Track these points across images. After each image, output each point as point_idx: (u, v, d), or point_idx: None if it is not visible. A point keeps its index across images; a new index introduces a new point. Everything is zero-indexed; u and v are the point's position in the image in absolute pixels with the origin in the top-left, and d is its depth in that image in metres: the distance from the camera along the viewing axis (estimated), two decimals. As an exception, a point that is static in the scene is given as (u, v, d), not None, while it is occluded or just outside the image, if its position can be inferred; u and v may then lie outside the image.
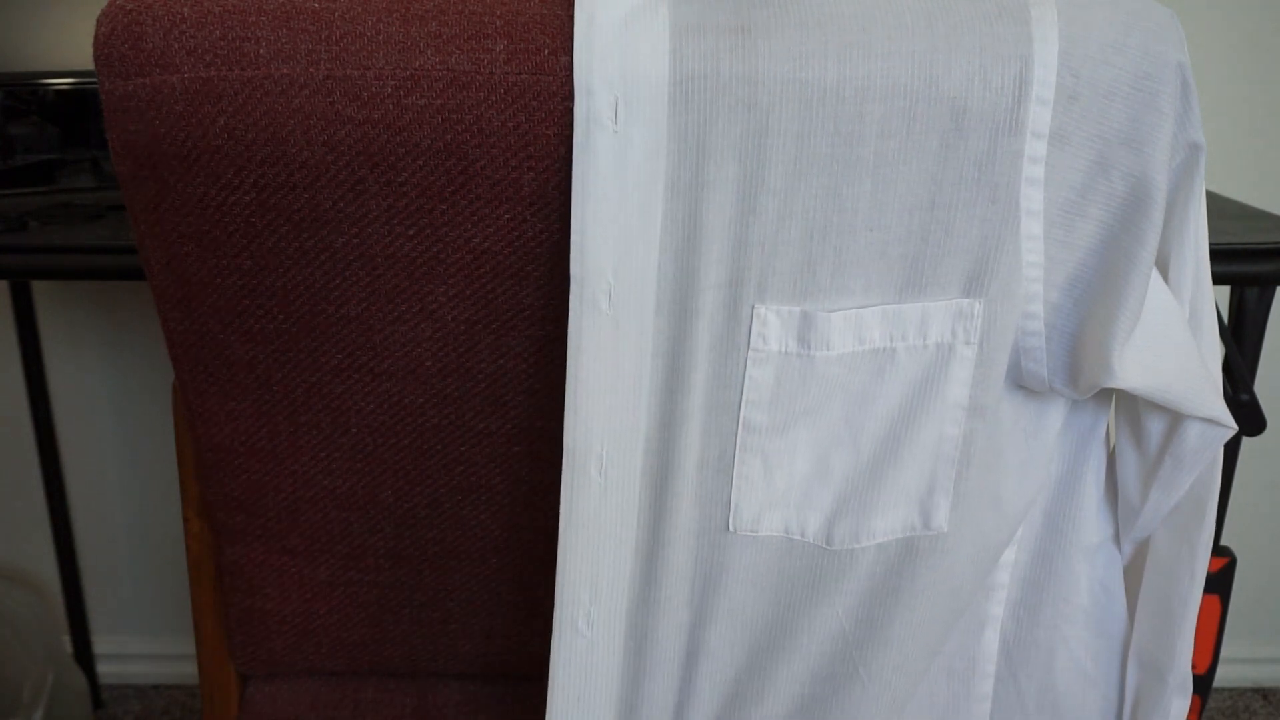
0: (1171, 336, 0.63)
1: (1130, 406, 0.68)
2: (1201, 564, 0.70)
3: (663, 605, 0.64)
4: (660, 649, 0.66)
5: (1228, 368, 0.86)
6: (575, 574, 0.63)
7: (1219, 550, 0.95)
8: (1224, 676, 1.64)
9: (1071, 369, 0.63)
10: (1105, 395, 0.68)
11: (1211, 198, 1.03)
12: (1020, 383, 0.64)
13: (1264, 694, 1.65)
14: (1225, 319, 0.91)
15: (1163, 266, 0.63)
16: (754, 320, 0.59)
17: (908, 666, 0.67)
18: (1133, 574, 0.73)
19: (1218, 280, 0.73)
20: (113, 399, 1.48)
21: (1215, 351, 0.66)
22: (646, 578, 0.64)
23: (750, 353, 0.59)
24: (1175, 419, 0.66)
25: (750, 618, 0.66)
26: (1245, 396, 0.85)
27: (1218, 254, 0.71)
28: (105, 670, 1.60)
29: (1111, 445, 0.71)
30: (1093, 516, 0.71)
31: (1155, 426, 0.67)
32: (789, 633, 0.66)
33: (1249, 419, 0.85)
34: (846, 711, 0.68)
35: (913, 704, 0.73)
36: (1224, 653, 0.98)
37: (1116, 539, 0.73)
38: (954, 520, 0.64)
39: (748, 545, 0.64)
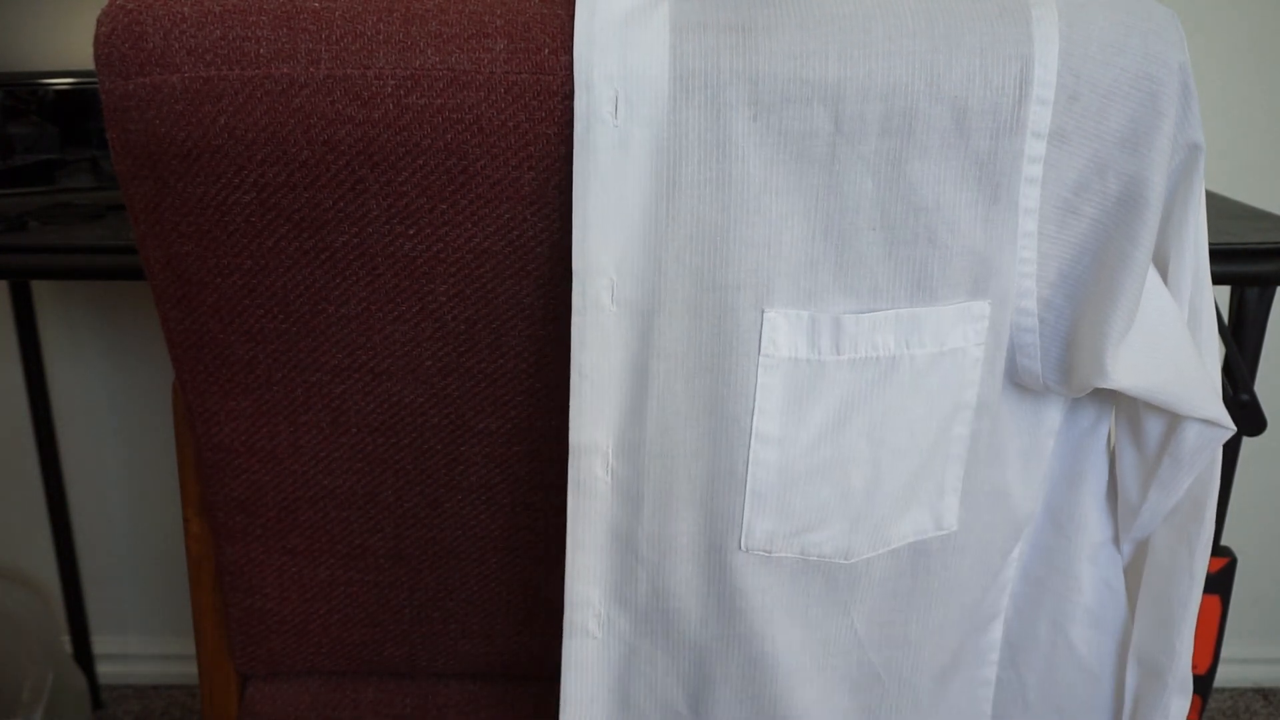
0: (1168, 337, 0.63)
1: (1130, 406, 0.68)
2: (1201, 564, 0.70)
3: (673, 618, 0.63)
4: (671, 659, 0.64)
5: (1228, 368, 0.86)
6: (584, 574, 0.63)
7: (1219, 550, 0.95)
8: (1224, 676, 1.64)
9: (1065, 367, 0.63)
10: (1107, 394, 0.68)
11: (1211, 198, 1.03)
12: (1017, 380, 0.64)
13: (1264, 694, 1.65)
14: (1225, 319, 0.91)
15: (1162, 266, 0.63)
16: (764, 325, 0.57)
17: (927, 666, 0.67)
18: (1132, 574, 0.73)
19: (1218, 280, 0.73)
20: (113, 399, 1.48)
21: (1214, 352, 0.66)
22: (655, 588, 0.63)
23: (761, 359, 0.58)
24: (1174, 419, 0.66)
25: (765, 646, 0.63)
26: (1245, 397, 0.85)
27: (1218, 254, 0.71)
28: (105, 670, 1.60)
29: (1112, 445, 0.71)
30: (1096, 515, 0.71)
31: (1154, 427, 0.67)
32: (806, 651, 0.65)
33: (1249, 419, 0.84)
34: (874, 715, 0.67)
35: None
36: (1224, 653, 0.98)
37: (1117, 538, 0.73)
38: (961, 518, 0.64)
39: (761, 566, 0.62)
